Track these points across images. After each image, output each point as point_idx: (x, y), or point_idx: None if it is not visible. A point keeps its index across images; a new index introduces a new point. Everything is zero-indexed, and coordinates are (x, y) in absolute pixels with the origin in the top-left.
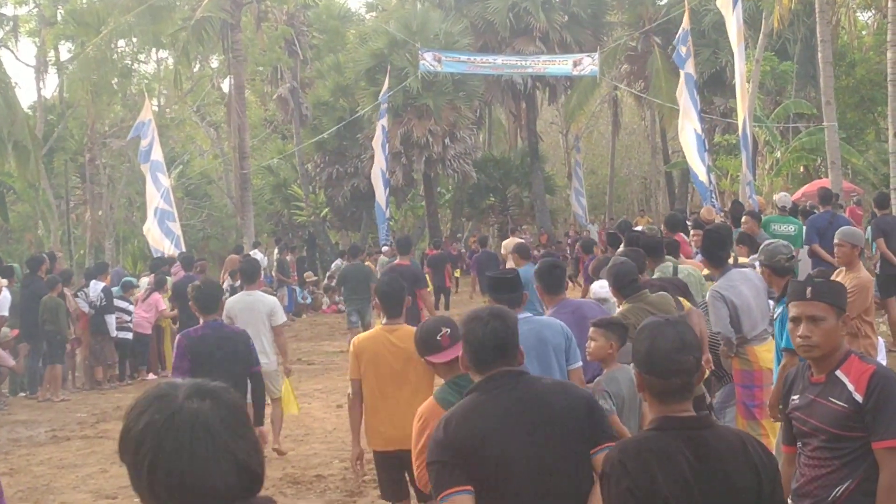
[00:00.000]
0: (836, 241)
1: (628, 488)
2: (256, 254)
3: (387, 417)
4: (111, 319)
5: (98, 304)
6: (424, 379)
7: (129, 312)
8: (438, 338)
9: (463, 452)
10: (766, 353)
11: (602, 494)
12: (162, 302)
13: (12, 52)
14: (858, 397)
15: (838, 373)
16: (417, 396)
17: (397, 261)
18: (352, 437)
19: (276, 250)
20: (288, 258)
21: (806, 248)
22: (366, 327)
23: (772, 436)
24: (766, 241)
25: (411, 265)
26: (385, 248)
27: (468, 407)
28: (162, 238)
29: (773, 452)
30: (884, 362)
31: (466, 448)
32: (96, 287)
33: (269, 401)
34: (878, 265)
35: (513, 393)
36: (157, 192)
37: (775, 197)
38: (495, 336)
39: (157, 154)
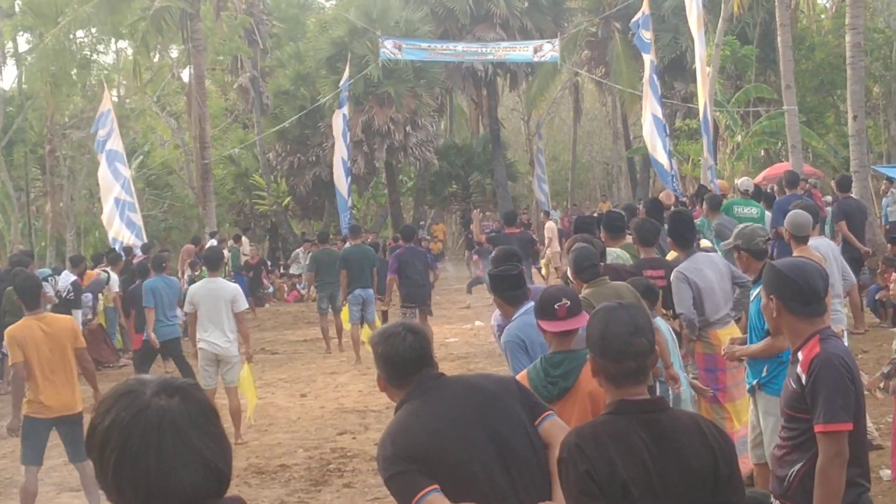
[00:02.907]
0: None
1: (587, 471)
2: (214, 244)
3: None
4: (78, 315)
5: (65, 295)
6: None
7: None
8: (556, 306)
9: (416, 459)
10: (728, 337)
11: (560, 479)
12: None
13: None
14: (803, 379)
15: (800, 353)
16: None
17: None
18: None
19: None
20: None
21: (772, 230)
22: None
23: (735, 420)
24: (742, 225)
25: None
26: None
27: (406, 416)
28: (122, 228)
29: (737, 436)
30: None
31: (419, 454)
32: (67, 278)
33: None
34: (840, 247)
35: (444, 389)
36: (117, 183)
37: (738, 181)
38: (414, 349)
39: (116, 144)
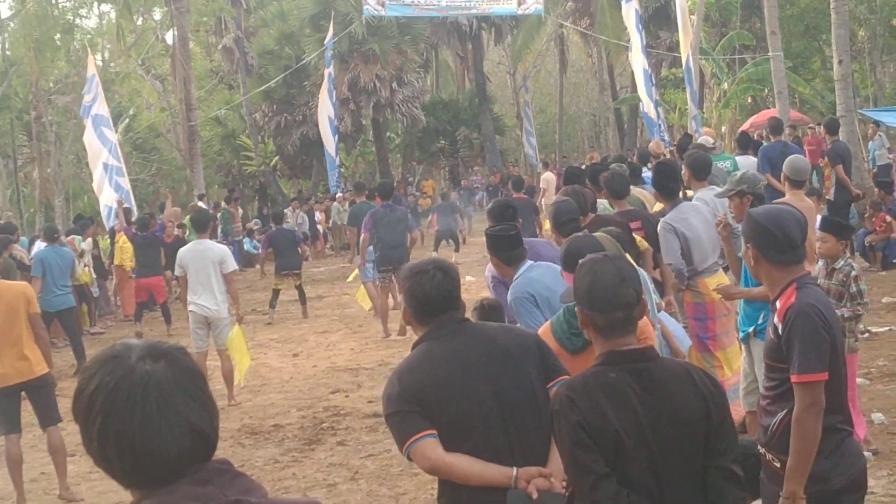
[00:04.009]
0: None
1: (578, 422)
2: (201, 205)
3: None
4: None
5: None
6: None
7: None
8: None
9: (420, 401)
10: (717, 285)
11: (553, 432)
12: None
13: None
14: (780, 329)
15: (777, 302)
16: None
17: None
18: None
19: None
20: (233, 210)
21: None
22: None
23: (726, 368)
24: (741, 171)
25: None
26: (338, 195)
27: (418, 357)
28: (112, 193)
29: (728, 384)
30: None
31: (423, 396)
32: (39, 248)
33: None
34: (832, 191)
35: (460, 337)
36: (104, 147)
37: (699, 140)
38: (441, 289)
39: (102, 108)
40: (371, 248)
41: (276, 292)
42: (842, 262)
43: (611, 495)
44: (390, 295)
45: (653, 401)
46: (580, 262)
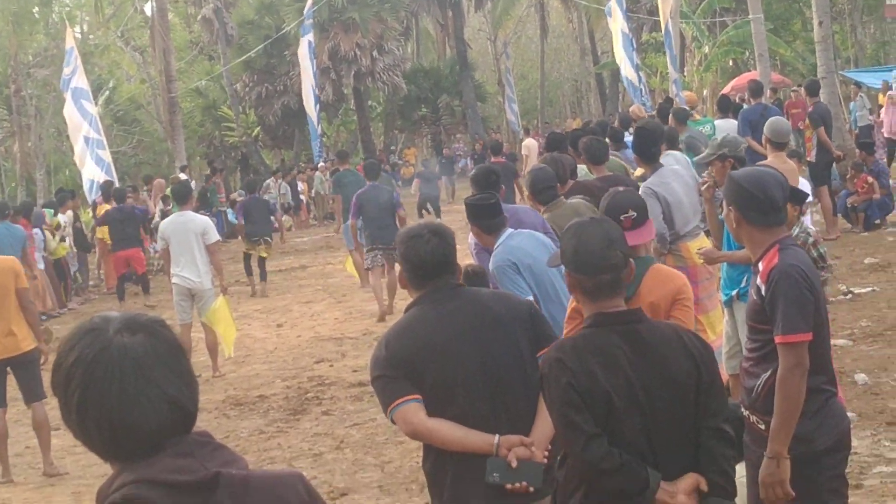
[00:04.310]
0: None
1: (568, 383)
2: (183, 177)
3: None
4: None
5: None
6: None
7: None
8: (623, 218)
9: (406, 365)
10: (699, 249)
11: (543, 395)
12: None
13: None
14: (763, 290)
15: (760, 264)
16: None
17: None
18: None
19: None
20: (217, 181)
21: None
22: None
23: (709, 331)
24: (722, 135)
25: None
26: (320, 165)
27: (408, 321)
28: (94, 167)
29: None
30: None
31: (408, 361)
32: None
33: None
34: (813, 153)
35: (452, 303)
36: (84, 121)
37: (680, 104)
38: (436, 253)
39: (81, 81)
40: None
41: (246, 256)
42: (797, 230)
43: (602, 455)
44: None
45: (643, 362)
46: (567, 225)
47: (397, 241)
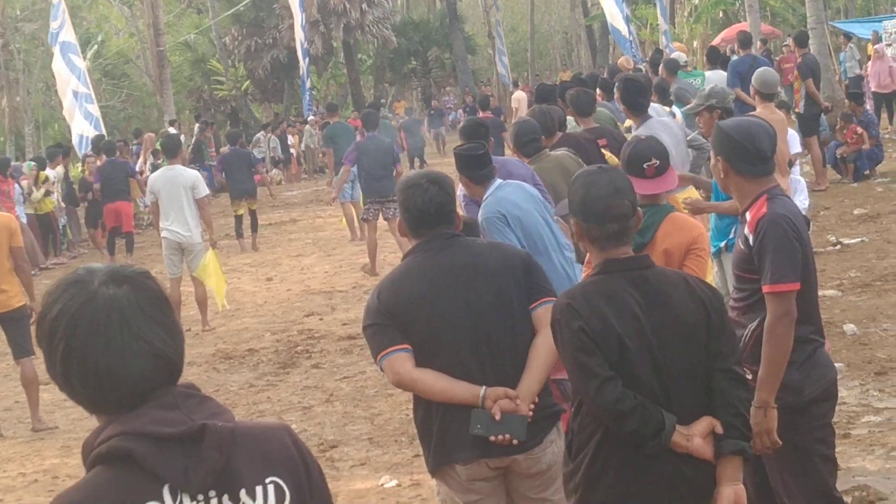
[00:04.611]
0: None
1: (580, 328)
2: (172, 131)
3: None
4: None
5: None
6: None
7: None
8: (646, 166)
9: (396, 315)
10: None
11: (555, 343)
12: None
13: None
14: (751, 239)
15: (747, 214)
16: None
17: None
18: None
19: (195, 127)
20: (207, 135)
21: None
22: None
23: None
24: (711, 85)
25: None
26: (310, 118)
27: (401, 271)
28: (82, 121)
29: None
30: (806, 202)
31: (399, 310)
32: None
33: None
34: (801, 104)
35: (445, 253)
36: (73, 74)
37: (672, 55)
38: (434, 202)
39: (69, 35)
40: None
41: (237, 219)
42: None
43: (617, 397)
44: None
45: (652, 306)
46: (576, 174)
47: (397, 190)
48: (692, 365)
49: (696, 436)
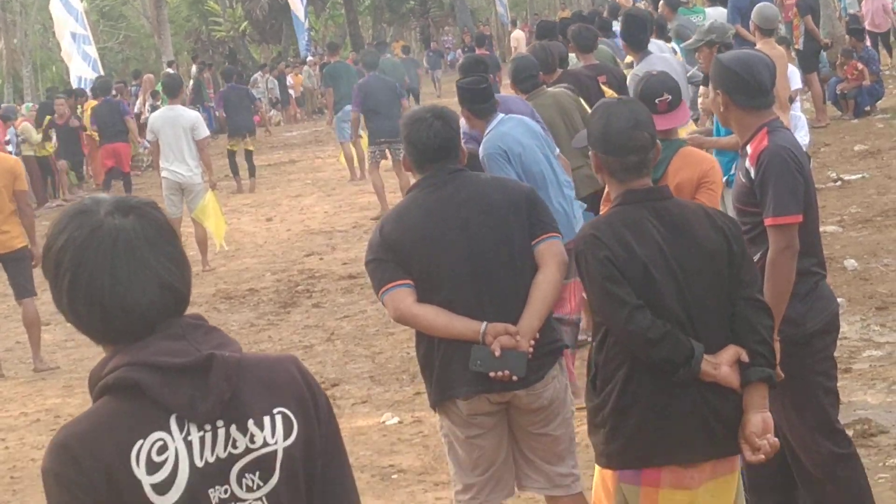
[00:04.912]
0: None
1: (606, 257)
2: (170, 72)
3: None
4: None
5: None
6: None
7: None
8: (657, 101)
9: (397, 250)
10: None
11: (580, 274)
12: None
13: None
14: (752, 172)
15: (748, 147)
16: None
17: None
18: None
19: (193, 68)
20: (206, 76)
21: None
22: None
23: None
24: (709, 22)
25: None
26: (308, 59)
27: (404, 206)
28: (81, 63)
29: None
30: (807, 139)
31: (400, 245)
32: None
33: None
34: (801, 41)
35: (449, 188)
36: (70, 16)
37: None
38: (439, 137)
39: None
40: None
41: (231, 154)
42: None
43: (648, 325)
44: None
45: (673, 235)
46: (596, 105)
47: (401, 125)
48: (716, 294)
49: (723, 364)
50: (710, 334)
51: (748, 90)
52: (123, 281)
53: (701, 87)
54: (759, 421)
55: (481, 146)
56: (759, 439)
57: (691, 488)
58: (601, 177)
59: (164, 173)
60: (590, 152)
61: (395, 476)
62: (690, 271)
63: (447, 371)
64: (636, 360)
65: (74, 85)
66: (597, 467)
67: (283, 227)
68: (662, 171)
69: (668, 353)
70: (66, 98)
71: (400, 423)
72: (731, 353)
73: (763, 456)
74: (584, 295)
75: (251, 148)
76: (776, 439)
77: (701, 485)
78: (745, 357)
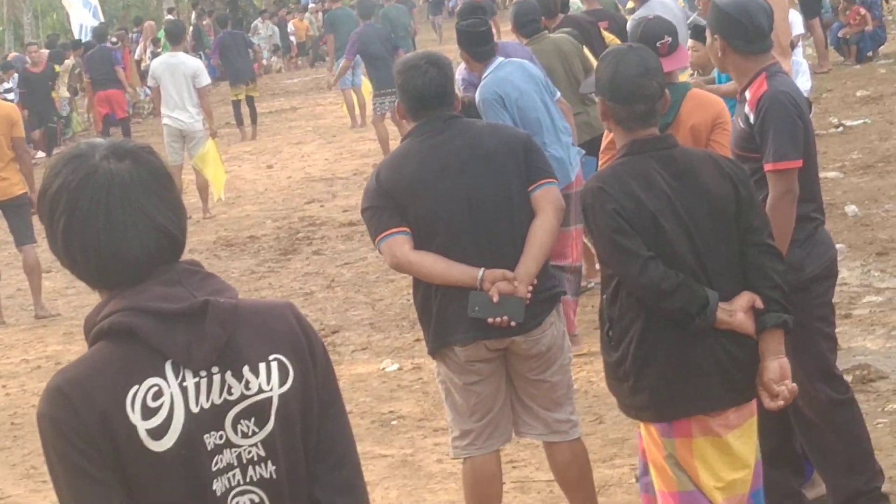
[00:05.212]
0: None
1: (614, 209)
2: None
3: None
4: None
5: None
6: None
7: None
8: (658, 44)
9: (394, 197)
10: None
11: (588, 228)
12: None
13: None
14: (752, 118)
15: (747, 92)
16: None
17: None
18: None
19: (192, 15)
20: (205, 23)
21: None
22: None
23: None
24: None
25: None
26: (310, 6)
27: (400, 153)
28: (81, 9)
29: None
30: (808, 84)
31: (397, 193)
32: None
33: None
34: None
35: (445, 135)
36: None
37: None
38: (433, 84)
39: None
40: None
41: (235, 104)
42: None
43: (661, 276)
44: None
45: (681, 184)
46: (605, 52)
47: (395, 72)
48: (727, 241)
49: (738, 311)
50: (723, 282)
51: (745, 35)
52: (118, 226)
53: (690, 41)
54: (777, 367)
55: (478, 91)
56: (777, 385)
57: (721, 436)
58: (607, 125)
59: (165, 120)
60: (597, 99)
61: (394, 422)
62: (700, 219)
63: (444, 318)
64: (651, 313)
65: (75, 32)
66: (641, 426)
67: (284, 175)
68: (674, 115)
69: (683, 304)
70: (74, 50)
71: (399, 369)
72: (745, 299)
73: (782, 402)
74: (585, 242)
75: (254, 94)
76: (794, 385)
77: (729, 432)
78: (759, 304)
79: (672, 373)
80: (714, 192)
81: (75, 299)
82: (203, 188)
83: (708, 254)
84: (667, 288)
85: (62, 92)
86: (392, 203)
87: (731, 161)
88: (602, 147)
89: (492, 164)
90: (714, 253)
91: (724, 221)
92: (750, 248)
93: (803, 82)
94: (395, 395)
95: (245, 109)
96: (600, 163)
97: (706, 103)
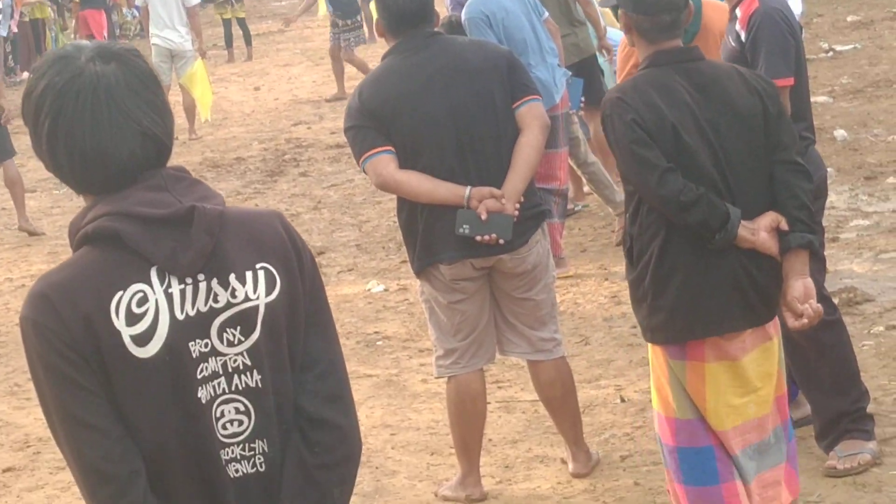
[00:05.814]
0: None
1: (633, 120)
2: None
3: None
4: None
5: None
6: None
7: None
8: None
9: (377, 116)
10: None
11: (607, 139)
12: None
13: None
14: (743, 36)
15: (738, 10)
16: None
17: None
18: None
19: None
20: None
21: None
22: None
23: None
24: None
25: None
26: None
27: (381, 70)
28: None
29: None
30: (800, 8)
31: (380, 111)
32: None
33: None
34: None
35: (427, 52)
36: None
37: None
38: (414, 1)
39: None
40: None
41: (226, 24)
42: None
43: (680, 187)
44: None
45: (705, 97)
46: None
47: None
48: (753, 157)
49: (760, 230)
50: (747, 199)
51: None
52: (104, 129)
53: None
54: (801, 287)
55: (464, 9)
56: (801, 305)
57: (736, 359)
58: (630, 38)
59: (154, 40)
60: (619, 11)
61: (379, 343)
62: (724, 134)
63: (430, 236)
64: (671, 229)
65: None
66: (649, 346)
67: (271, 97)
68: (699, 24)
69: (703, 217)
70: None
71: (385, 290)
72: (769, 218)
73: (806, 321)
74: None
75: (242, 15)
76: (819, 305)
77: (745, 355)
78: (784, 225)
79: (690, 292)
80: (740, 107)
81: (60, 219)
82: (190, 109)
83: (731, 169)
84: (686, 200)
85: (44, 9)
86: (375, 122)
87: (758, 76)
88: (619, 56)
89: (475, 80)
90: (738, 168)
91: (749, 135)
92: (777, 166)
93: (795, 5)
94: (381, 316)
95: (237, 31)
96: (618, 72)
97: (720, 7)
